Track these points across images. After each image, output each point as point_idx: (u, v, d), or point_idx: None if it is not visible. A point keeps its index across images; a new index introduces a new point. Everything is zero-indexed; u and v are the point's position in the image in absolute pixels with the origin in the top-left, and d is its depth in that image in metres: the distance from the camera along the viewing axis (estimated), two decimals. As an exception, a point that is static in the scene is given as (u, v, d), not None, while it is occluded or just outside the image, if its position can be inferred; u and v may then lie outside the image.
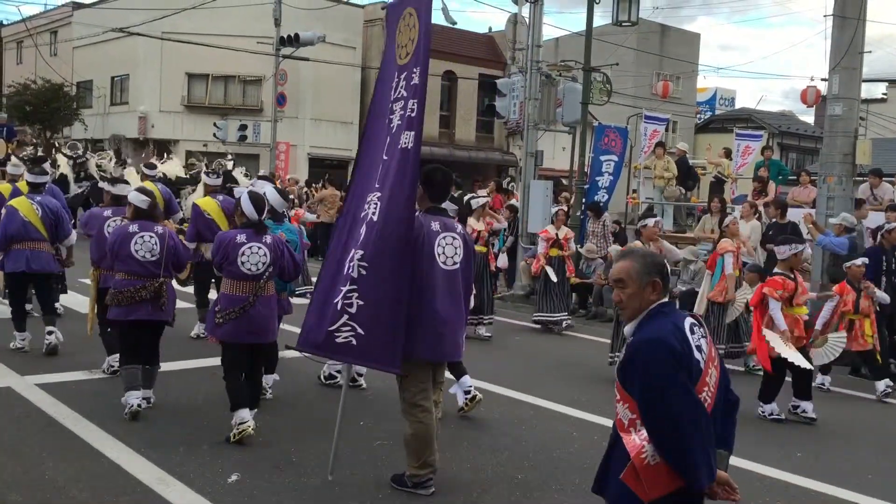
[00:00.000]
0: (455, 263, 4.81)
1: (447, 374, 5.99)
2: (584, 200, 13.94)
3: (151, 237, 6.04)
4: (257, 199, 5.73)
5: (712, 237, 12.21)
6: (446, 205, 5.41)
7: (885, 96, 39.95)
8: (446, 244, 4.79)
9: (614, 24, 15.67)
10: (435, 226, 4.80)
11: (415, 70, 4.75)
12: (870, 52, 12.99)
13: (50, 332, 7.75)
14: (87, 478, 4.86)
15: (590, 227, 12.62)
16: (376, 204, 4.67)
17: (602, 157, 14.17)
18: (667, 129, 23.55)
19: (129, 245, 5.98)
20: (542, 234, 11.10)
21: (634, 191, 18.48)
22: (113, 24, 27.42)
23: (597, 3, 14.69)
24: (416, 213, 4.78)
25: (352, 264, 4.60)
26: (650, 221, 8.42)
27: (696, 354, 2.87)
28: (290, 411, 6.35)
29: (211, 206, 8.31)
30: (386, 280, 4.55)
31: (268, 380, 6.58)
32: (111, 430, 5.67)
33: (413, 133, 4.66)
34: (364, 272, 4.56)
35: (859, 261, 8.33)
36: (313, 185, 20.91)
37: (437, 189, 4.98)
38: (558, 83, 16.03)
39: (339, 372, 7.12)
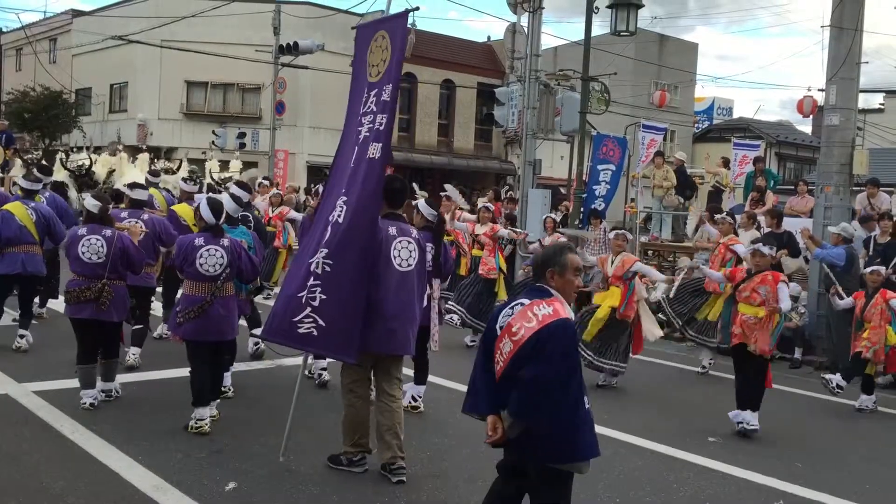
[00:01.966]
0: (410, 265, 5.26)
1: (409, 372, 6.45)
2: (581, 209, 13.96)
3: (98, 240, 6.32)
4: (215, 205, 6.07)
5: (709, 246, 12.25)
6: (425, 209, 6.05)
7: (882, 107, 40.10)
8: (402, 247, 5.24)
9: (613, 34, 15.72)
10: (392, 230, 5.25)
11: (385, 87, 5.22)
12: (867, 62, 13.07)
13: (22, 336, 8.08)
14: (84, 485, 4.86)
15: (590, 236, 12.60)
16: (342, 207, 5.13)
17: (600, 167, 14.18)
18: (665, 139, 23.58)
19: (77, 247, 6.31)
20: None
21: (632, 199, 18.50)
22: (112, 32, 27.49)
23: (595, 13, 14.75)
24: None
25: (317, 261, 5.05)
26: (612, 234, 8.73)
27: (496, 324, 3.62)
28: (287, 420, 6.33)
29: (187, 212, 8.49)
30: (348, 277, 5.01)
31: (225, 377, 6.80)
32: (109, 437, 5.66)
33: (381, 145, 5.15)
34: (328, 269, 5.02)
35: (881, 268, 8.30)
36: (313, 186, 20.92)
37: (395, 196, 5.42)
38: (557, 92, 16.08)
39: (324, 370, 7.45)
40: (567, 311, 3.54)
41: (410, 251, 5.28)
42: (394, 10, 5.65)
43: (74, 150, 19.97)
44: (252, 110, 30.36)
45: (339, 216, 5.12)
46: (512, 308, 3.60)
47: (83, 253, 6.30)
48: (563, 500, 3.64)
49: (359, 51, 5.55)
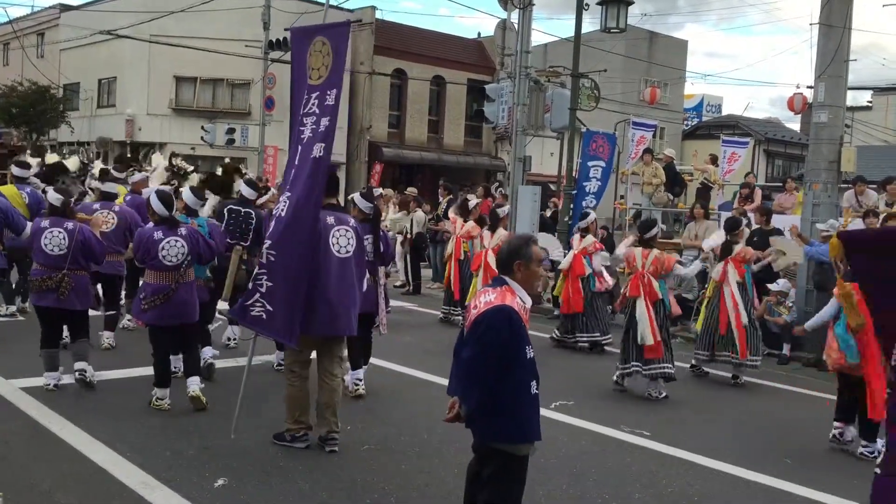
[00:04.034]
0: (348, 252, 5.61)
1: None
2: (571, 206, 13.97)
3: (60, 233, 6.58)
4: (165, 198, 6.36)
5: (698, 244, 12.29)
6: (361, 203, 6.66)
7: (869, 104, 40.37)
8: (340, 235, 5.59)
9: (603, 31, 15.76)
10: (330, 220, 5.59)
11: (329, 92, 5.54)
12: (855, 60, 13.15)
13: None
14: (72, 482, 4.84)
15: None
16: (285, 202, 5.49)
17: (590, 163, 14.18)
18: (654, 136, 23.62)
19: (41, 239, 6.57)
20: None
21: (622, 196, 18.54)
22: (100, 27, 27.27)
23: (586, 10, 14.76)
24: None
25: (263, 252, 5.49)
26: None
27: None
28: (276, 417, 6.32)
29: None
30: (289, 267, 5.37)
31: (207, 352, 7.30)
32: (97, 434, 5.64)
33: (324, 145, 5.48)
34: (272, 259, 5.41)
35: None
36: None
37: (328, 187, 5.67)
38: (547, 89, 16.09)
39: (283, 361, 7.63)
40: (513, 299, 3.61)
41: (348, 238, 5.63)
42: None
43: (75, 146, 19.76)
44: (241, 106, 30.23)
45: (282, 210, 5.49)
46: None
47: (45, 245, 6.55)
48: (505, 481, 3.70)
49: (297, 53, 5.84)
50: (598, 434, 6.54)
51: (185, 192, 7.09)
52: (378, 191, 13.81)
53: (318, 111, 5.57)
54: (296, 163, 5.59)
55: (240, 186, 7.93)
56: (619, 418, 6.96)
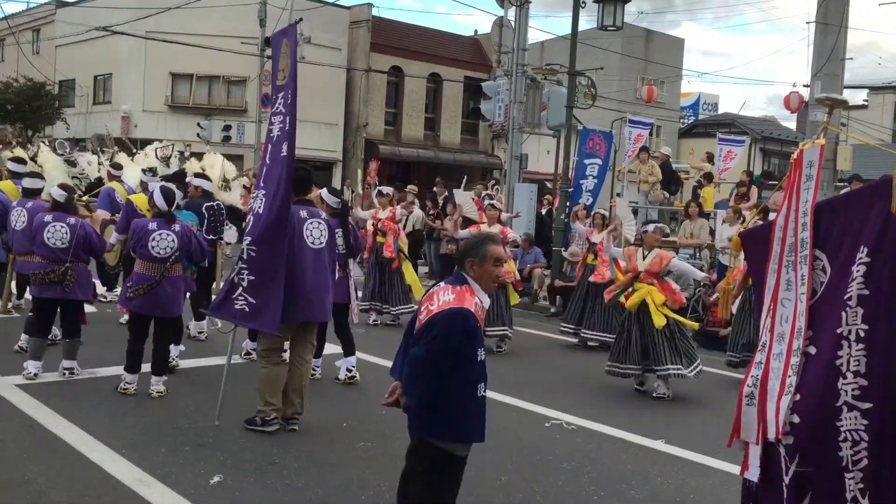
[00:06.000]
0: (321, 243, 5.93)
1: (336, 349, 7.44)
2: (567, 204, 13.98)
3: (62, 227, 6.78)
4: (168, 193, 6.62)
5: (692, 242, 12.32)
6: (329, 198, 6.99)
7: (865, 103, 40.43)
8: (313, 228, 5.91)
9: (599, 29, 15.75)
10: (303, 213, 5.91)
11: (289, 91, 5.85)
12: (851, 59, 13.17)
13: None
14: (67, 479, 4.83)
15: (576, 231, 12.60)
16: (261, 199, 5.78)
17: (586, 161, 14.22)
18: (651, 134, 23.62)
19: (43, 233, 6.76)
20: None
21: (618, 194, 18.54)
22: (96, 23, 27.22)
23: (582, 8, 14.77)
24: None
25: (244, 248, 5.75)
26: (650, 227, 7.94)
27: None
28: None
29: (143, 202, 8.62)
30: (268, 261, 5.67)
31: (174, 351, 7.32)
32: (92, 430, 5.64)
33: (287, 143, 5.78)
34: (253, 254, 5.68)
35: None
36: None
37: (301, 184, 6.02)
38: (543, 87, 16.13)
39: (254, 349, 7.68)
40: (472, 301, 3.60)
41: (321, 231, 5.94)
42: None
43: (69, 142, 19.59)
44: (238, 103, 30.15)
45: (259, 208, 5.76)
46: (433, 288, 3.77)
47: (48, 239, 6.74)
48: (438, 479, 3.68)
49: (274, 56, 6.19)
50: (593, 431, 6.55)
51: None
52: (386, 189, 13.66)
53: (283, 110, 5.86)
54: (267, 161, 5.87)
55: (197, 182, 8.28)
56: (615, 416, 6.97)
